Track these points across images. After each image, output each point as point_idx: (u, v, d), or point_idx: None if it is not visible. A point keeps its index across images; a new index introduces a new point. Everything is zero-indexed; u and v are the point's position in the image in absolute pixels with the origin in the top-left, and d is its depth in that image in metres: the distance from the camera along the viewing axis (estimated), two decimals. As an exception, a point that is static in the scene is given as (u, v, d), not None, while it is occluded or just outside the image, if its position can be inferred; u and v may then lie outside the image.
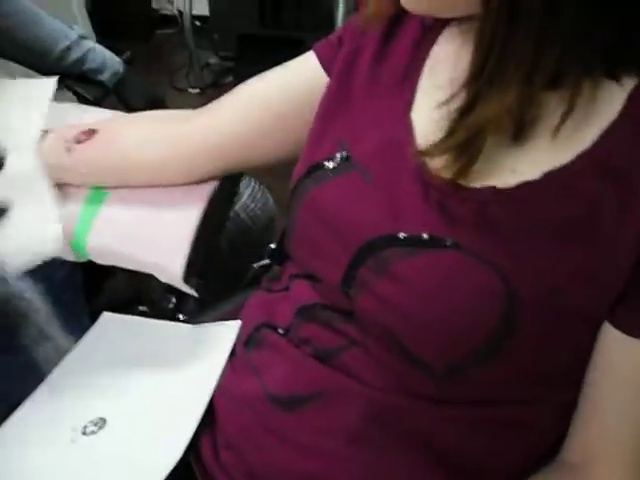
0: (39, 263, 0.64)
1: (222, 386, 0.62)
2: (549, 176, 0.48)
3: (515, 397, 0.52)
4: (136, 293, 1.04)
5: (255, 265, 0.94)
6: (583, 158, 0.48)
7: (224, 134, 0.66)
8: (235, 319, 0.70)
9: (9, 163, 0.65)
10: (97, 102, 1.26)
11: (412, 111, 0.56)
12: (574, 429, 0.54)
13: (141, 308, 1.01)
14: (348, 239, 0.54)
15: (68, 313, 0.91)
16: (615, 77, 0.48)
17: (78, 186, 0.69)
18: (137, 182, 0.69)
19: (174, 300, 1.02)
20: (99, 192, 0.68)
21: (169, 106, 1.44)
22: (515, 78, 0.44)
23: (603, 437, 0.51)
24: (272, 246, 0.87)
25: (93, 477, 0.59)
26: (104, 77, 1.32)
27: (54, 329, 0.89)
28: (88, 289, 1.01)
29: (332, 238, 0.56)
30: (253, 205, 1.11)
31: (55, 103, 0.74)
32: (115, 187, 0.70)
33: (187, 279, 0.65)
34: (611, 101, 0.48)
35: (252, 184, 1.12)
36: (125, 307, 0.93)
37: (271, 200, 1.11)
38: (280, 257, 0.72)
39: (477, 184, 0.50)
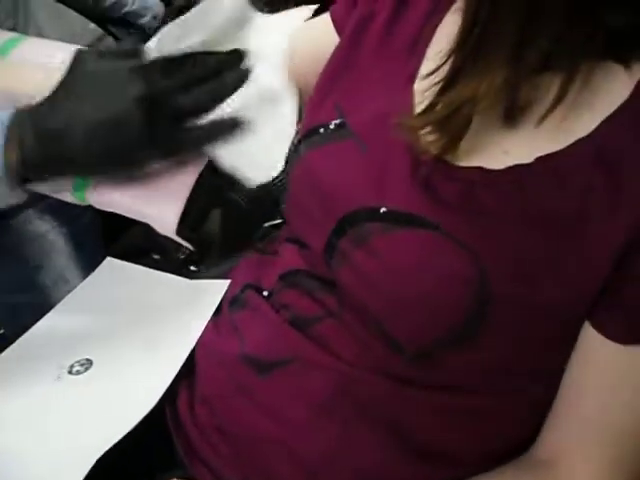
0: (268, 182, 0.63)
1: (203, 342, 0.62)
2: (542, 161, 0.45)
3: (487, 387, 0.50)
4: (151, 242, 1.05)
5: (266, 224, 0.94)
6: (579, 146, 0.45)
7: None
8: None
9: (256, 76, 0.62)
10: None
11: (415, 82, 0.54)
12: (546, 426, 0.52)
13: (154, 256, 1.02)
14: (332, 207, 0.53)
15: (88, 259, 0.93)
16: (624, 62, 0.44)
17: None
18: None
19: (186, 252, 1.04)
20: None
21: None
22: (500, 54, 0.41)
23: (569, 438, 0.49)
24: (284, 206, 0.86)
25: (73, 415, 0.61)
26: (144, 20, 1.32)
27: (73, 273, 0.92)
28: (106, 236, 1.03)
29: (319, 205, 0.55)
30: None
31: None
32: None
33: (181, 232, 0.65)
34: (618, 89, 0.44)
35: None
36: (140, 255, 0.94)
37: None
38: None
39: (465, 163, 0.48)
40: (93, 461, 0.53)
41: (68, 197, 0.68)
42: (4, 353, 0.68)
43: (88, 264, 0.91)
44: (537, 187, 0.46)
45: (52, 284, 0.91)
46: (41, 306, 0.89)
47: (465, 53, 0.43)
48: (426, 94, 0.47)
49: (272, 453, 0.54)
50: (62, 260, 0.92)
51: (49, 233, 0.92)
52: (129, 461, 0.59)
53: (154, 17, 1.35)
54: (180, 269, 0.80)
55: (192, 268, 0.94)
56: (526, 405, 0.52)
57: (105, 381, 0.63)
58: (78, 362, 0.65)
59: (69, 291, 0.86)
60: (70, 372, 0.64)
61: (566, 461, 0.50)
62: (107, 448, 0.54)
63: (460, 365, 0.49)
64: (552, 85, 0.44)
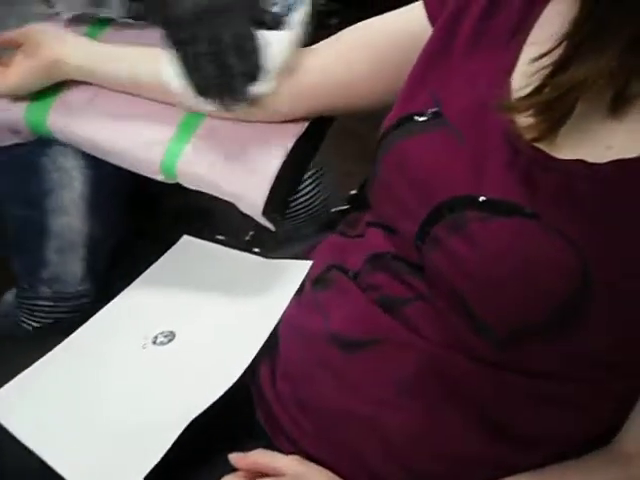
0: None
1: (287, 319, 0.64)
2: None
3: (575, 375, 0.51)
4: (215, 221, 1.07)
5: (332, 210, 0.95)
6: None
7: (324, 75, 0.67)
8: (307, 259, 0.72)
9: None
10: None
11: (515, 70, 0.54)
12: (632, 419, 0.53)
13: (218, 237, 1.04)
14: (428, 195, 0.54)
15: (98, 204, 0.93)
16: None
17: (176, 108, 0.71)
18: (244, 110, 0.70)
19: (251, 233, 1.05)
20: (195, 116, 0.71)
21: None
22: (617, 41, 0.42)
23: None
24: (352, 192, 0.87)
25: (157, 384, 0.64)
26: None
27: (76, 210, 0.92)
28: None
29: (413, 192, 0.56)
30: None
31: None
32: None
33: (266, 213, 0.67)
34: None
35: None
36: (202, 233, 0.96)
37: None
38: (359, 203, 0.73)
39: (566, 155, 0.49)
40: (175, 436, 0.55)
41: (158, 175, 0.70)
42: (91, 320, 0.71)
43: (97, 210, 0.92)
44: None
45: (53, 209, 0.92)
46: (33, 224, 0.92)
47: (581, 38, 0.44)
48: (533, 78, 0.48)
49: (356, 429, 0.56)
50: (71, 195, 0.93)
51: (74, 170, 0.92)
52: (213, 429, 0.62)
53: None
54: (244, 250, 0.82)
55: (255, 250, 0.95)
56: (613, 398, 0.53)
57: (188, 353, 0.66)
58: (162, 333, 0.68)
59: (65, 224, 0.89)
60: (154, 342, 0.67)
61: None
62: (190, 420, 0.55)
63: (548, 353, 0.50)
64: None
